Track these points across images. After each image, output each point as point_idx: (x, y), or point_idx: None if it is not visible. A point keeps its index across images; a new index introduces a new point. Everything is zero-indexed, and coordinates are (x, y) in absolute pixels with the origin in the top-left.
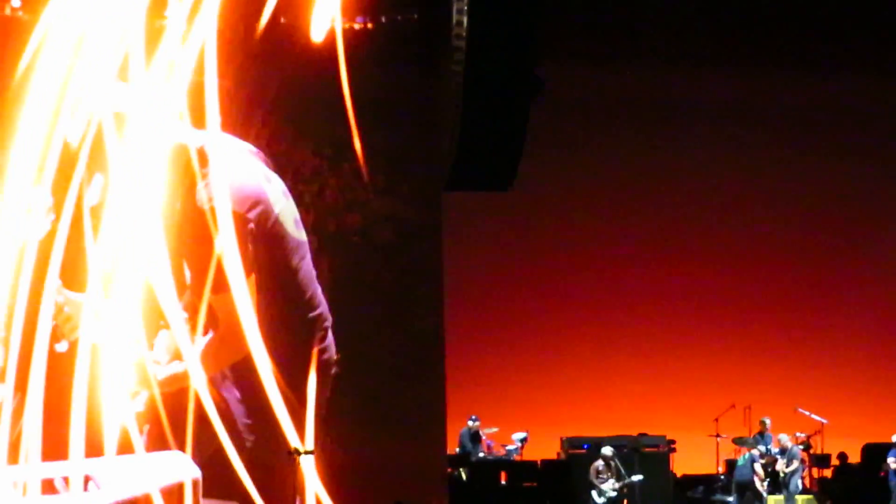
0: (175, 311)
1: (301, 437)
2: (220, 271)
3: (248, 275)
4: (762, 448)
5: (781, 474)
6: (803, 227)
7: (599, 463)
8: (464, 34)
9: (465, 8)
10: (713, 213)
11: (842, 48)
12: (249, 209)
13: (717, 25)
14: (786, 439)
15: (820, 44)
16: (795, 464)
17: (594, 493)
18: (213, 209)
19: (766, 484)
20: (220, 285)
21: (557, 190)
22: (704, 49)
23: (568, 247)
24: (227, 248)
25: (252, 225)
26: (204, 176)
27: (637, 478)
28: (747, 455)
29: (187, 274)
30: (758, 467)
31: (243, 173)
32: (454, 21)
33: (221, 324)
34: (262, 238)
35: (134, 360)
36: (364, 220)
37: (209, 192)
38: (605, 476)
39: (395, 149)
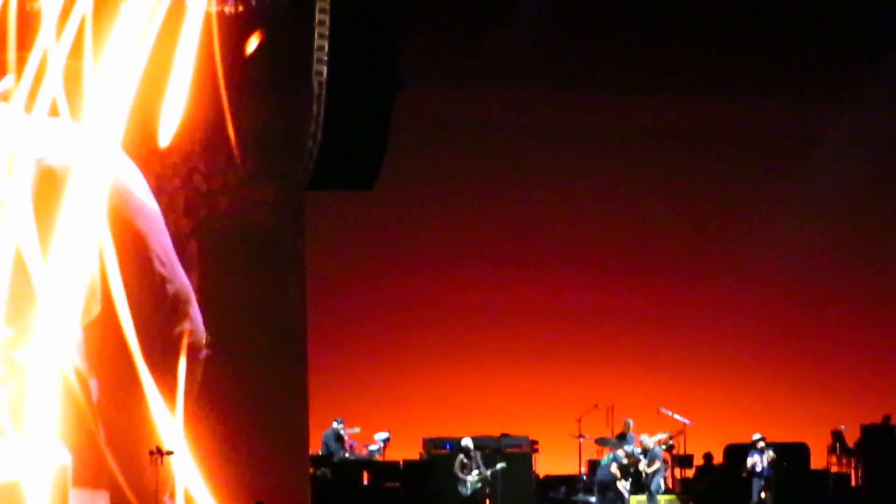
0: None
1: (171, 431)
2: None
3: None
4: (627, 448)
5: (643, 474)
6: (663, 232)
7: (462, 456)
8: (326, 33)
9: (328, 7)
10: (575, 217)
11: (695, 73)
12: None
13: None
14: (647, 440)
15: (675, 68)
16: (657, 464)
17: (460, 487)
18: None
19: (628, 484)
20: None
21: (421, 191)
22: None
23: (431, 248)
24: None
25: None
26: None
27: (500, 465)
28: (609, 455)
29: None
30: (615, 468)
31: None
32: (316, 21)
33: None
34: (119, 210)
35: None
36: (231, 211)
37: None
38: (469, 467)
39: (265, 142)
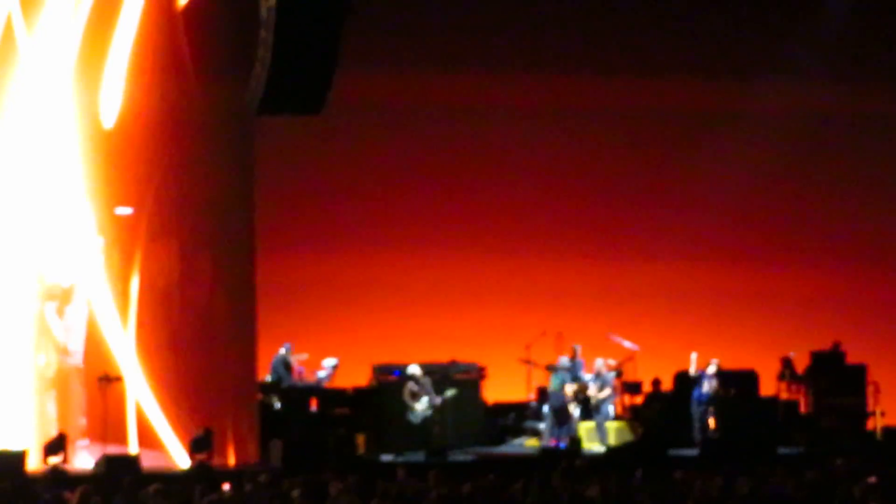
0: None
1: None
2: None
3: None
4: (579, 376)
5: (593, 400)
6: (611, 160)
7: (412, 383)
8: None
9: None
10: (525, 145)
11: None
12: None
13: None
14: (601, 364)
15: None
16: (608, 390)
17: (409, 415)
18: None
19: (578, 410)
20: None
21: (371, 116)
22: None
23: (379, 173)
24: None
25: None
26: None
27: (451, 392)
28: (558, 378)
29: None
30: (569, 389)
31: None
32: None
33: None
34: None
35: None
36: (178, 134)
37: None
38: (419, 395)
39: (214, 68)
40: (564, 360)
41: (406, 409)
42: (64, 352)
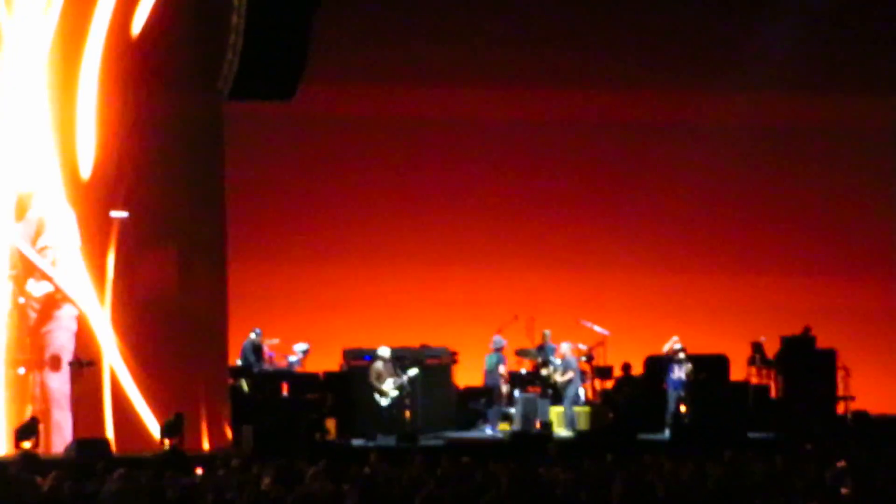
0: None
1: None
2: None
3: None
4: (554, 362)
5: (557, 383)
6: (583, 144)
7: (378, 364)
8: None
9: None
10: (498, 127)
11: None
12: None
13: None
14: (566, 348)
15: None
16: (570, 373)
17: (378, 397)
18: None
19: (549, 393)
20: None
21: (341, 101)
22: None
23: (350, 159)
24: None
25: None
26: None
27: (413, 371)
28: (493, 358)
29: None
30: (502, 370)
31: None
32: None
33: None
34: None
35: None
36: (152, 118)
37: None
38: (385, 377)
39: (186, 53)
40: (498, 339)
41: (374, 391)
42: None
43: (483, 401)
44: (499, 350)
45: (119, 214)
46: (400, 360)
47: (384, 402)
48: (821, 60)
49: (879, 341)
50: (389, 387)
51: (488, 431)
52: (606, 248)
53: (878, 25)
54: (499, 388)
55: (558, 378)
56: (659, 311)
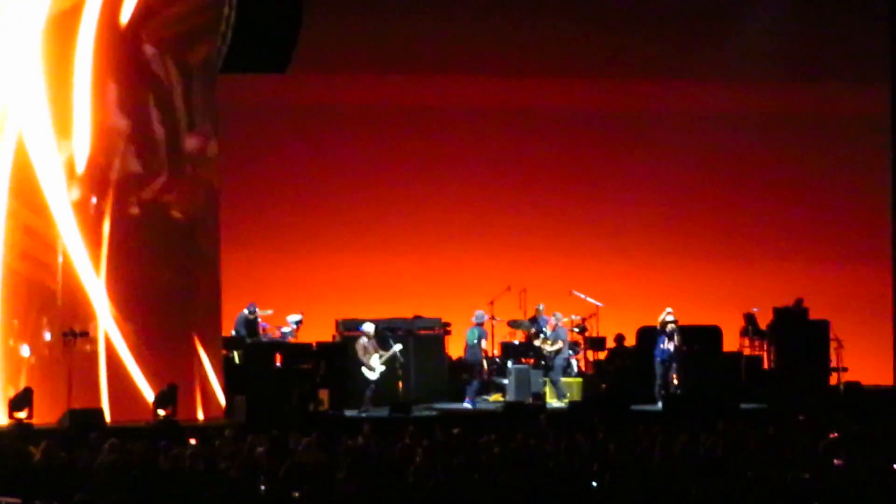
0: None
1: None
2: None
3: None
4: (547, 333)
5: (545, 352)
6: (575, 111)
7: (363, 340)
8: None
9: None
10: (489, 93)
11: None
12: None
13: None
14: (557, 318)
15: None
16: (559, 344)
17: (365, 371)
18: None
19: (542, 364)
20: None
21: (333, 73)
22: None
23: (343, 129)
24: None
25: None
26: None
27: (397, 347)
28: (475, 333)
29: None
30: (484, 344)
31: None
32: None
33: None
34: None
35: None
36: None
37: None
38: (371, 352)
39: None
40: (480, 314)
41: (362, 366)
42: None
43: (465, 375)
44: (480, 324)
45: None
46: (390, 332)
47: (372, 376)
48: (806, 48)
49: (872, 313)
50: (376, 362)
51: (466, 405)
52: (599, 219)
53: (862, 12)
54: (480, 363)
55: (547, 348)
56: (652, 283)
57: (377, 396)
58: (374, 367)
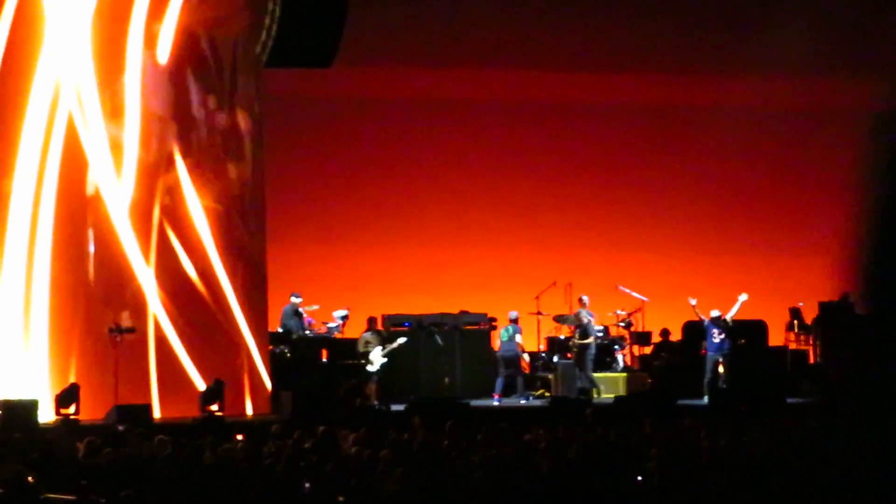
0: None
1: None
2: None
3: None
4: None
5: (573, 347)
6: (622, 110)
7: (367, 333)
8: None
9: None
10: (534, 91)
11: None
12: None
13: None
14: (584, 313)
15: None
16: (589, 339)
17: (367, 366)
18: None
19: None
20: None
21: (380, 65)
22: None
23: (391, 127)
24: None
25: None
26: None
27: (401, 340)
28: (510, 329)
29: None
30: (519, 339)
31: None
32: None
33: None
34: None
35: None
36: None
37: None
38: (374, 344)
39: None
40: (513, 313)
41: (361, 358)
42: None
43: (501, 370)
44: (514, 322)
45: None
46: (436, 327)
47: (371, 368)
48: (830, 45)
49: None
50: (377, 355)
51: (495, 403)
52: (646, 216)
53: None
54: (516, 358)
55: (576, 341)
56: (697, 277)
57: (423, 391)
58: (373, 361)
